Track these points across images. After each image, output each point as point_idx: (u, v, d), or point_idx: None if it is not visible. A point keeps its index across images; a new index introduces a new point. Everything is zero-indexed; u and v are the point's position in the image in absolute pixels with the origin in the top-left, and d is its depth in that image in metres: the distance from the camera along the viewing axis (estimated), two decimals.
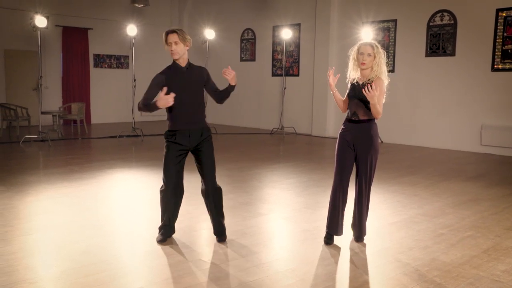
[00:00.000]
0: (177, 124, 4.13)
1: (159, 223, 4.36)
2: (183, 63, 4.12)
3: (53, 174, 7.18)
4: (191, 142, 4.12)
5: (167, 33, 4.03)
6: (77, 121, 12.45)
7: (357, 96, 4.06)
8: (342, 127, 4.21)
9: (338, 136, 4.24)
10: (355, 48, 4.12)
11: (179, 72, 4.11)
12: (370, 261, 3.93)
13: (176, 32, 4.01)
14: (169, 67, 4.17)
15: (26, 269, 3.61)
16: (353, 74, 4.16)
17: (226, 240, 4.32)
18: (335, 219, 4.21)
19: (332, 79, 4.20)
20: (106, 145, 10.50)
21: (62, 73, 14.29)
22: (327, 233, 4.28)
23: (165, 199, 4.22)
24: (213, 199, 4.25)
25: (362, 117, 4.08)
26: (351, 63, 4.16)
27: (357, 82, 4.12)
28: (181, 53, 4.05)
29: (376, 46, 4.07)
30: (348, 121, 4.15)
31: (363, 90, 3.92)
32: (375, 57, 4.03)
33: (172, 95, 3.89)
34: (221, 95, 4.24)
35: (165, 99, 3.89)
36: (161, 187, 4.24)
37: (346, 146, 4.13)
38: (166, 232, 4.30)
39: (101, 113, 15.01)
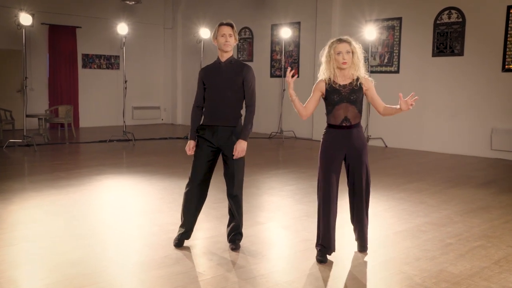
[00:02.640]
0: (205, 120, 4.25)
1: (152, 233, 4.37)
2: (224, 58, 4.22)
3: (39, 181, 7.17)
4: (218, 140, 4.19)
5: (222, 25, 4.19)
6: (64, 124, 12.43)
7: (345, 100, 3.96)
8: (327, 135, 4.03)
9: (323, 145, 4.04)
10: (327, 48, 3.99)
11: (216, 67, 4.24)
12: (374, 273, 3.93)
13: (232, 26, 4.22)
14: (214, 62, 4.31)
15: (9, 282, 3.59)
16: (325, 75, 4.04)
17: (222, 249, 4.32)
18: (329, 234, 4.05)
19: (292, 82, 4.02)
20: (96, 150, 10.49)
21: (49, 74, 14.29)
22: (320, 251, 4.08)
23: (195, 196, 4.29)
24: (232, 206, 4.35)
25: (354, 121, 4.01)
26: (324, 65, 4.03)
27: (338, 84, 3.99)
28: (233, 46, 4.22)
29: (352, 41, 3.99)
30: (337, 127, 4.00)
31: (405, 103, 4.11)
32: (353, 53, 3.96)
33: (191, 148, 4.27)
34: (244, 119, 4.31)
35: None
36: (186, 186, 4.32)
37: (336, 154, 4.01)
38: (184, 236, 4.37)
39: (90, 116, 14.99)
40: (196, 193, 4.29)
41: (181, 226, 4.39)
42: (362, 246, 4.31)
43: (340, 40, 3.97)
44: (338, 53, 3.93)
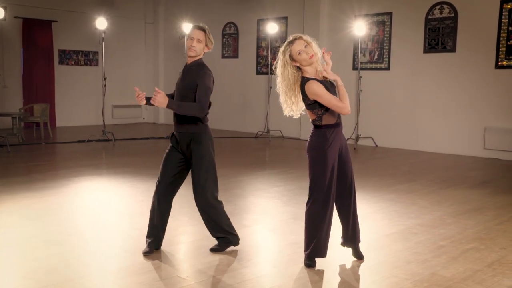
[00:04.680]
0: (174, 125, 4.28)
1: (132, 237, 4.36)
2: (189, 61, 4.24)
3: (13, 183, 7.09)
4: (181, 147, 4.22)
5: (194, 27, 4.19)
6: (40, 124, 12.31)
7: (335, 94, 3.98)
8: (325, 136, 3.95)
9: (324, 148, 3.93)
10: (286, 58, 3.93)
11: (182, 70, 4.27)
12: (364, 277, 3.95)
13: (205, 31, 4.18)
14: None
15: None
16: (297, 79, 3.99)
17: (206, 254, 4.32)
18: (325, 241, 4.05)
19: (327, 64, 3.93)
20: (73, 151, 10.41)
21: (23, 71, 14.13)
22: (312, 257, 4.07)
23: (154, 204, 4.30)
24: (208, 214, 4.31)
25: (340, 118, 4.08)
26: (290, 75, 3.95)
27: (323, 77, 3.96)
28: (199, 52, 4.18)
29: (302, 35, 3.98)
30: (335, 126, 3.98)
31: (324, 69, 3.90)
32: (310, 44, 3.94)
33: (142, 95, 4.05)
34: None
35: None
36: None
37: (335, 155, 3.99)
38: (155, 244, 4.36)
39: (67, 115, 14.87)
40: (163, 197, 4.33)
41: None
42: (356, 247, 4.27)
43: (291, 42, 3.94)
44: (299, 53, 3.90)
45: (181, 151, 4.24)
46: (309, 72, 3.96)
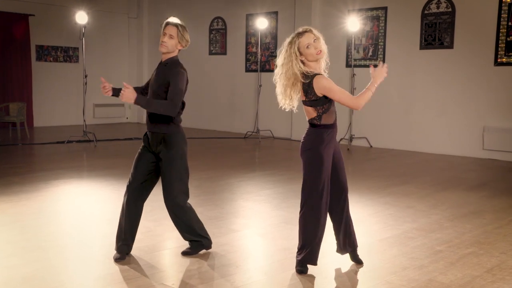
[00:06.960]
0: (146, 125, 4.34)
1: (115, 243, 4.35)
2: (163, 59, 4.29)
3: None
4: (151, 146, 4.25)
5: (167, 24, 4.25)
6: (16, 124, 12.23)
7: None
8: (322, 136, 3.94)
9: (320, 148, 3.93)
10: (294, 50, 3.89)
11: (157, 68, 4.31)
12: (359, 283, 3.96)
13: (177, 27, 4.21)
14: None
15: None
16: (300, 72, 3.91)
17: (193, 260, 4.31)
18: (318, 247, 4.04)
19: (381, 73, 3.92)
20: (52, 152, 10.35)
21: None
22: (305, 263, 4.07)
23: (123, 206, 4.31)
24: (179, 217, 4.34)
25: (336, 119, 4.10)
26: (296, 69, 3.88)
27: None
28: (170, 49, 4.23)
29: (311, 28, 3.96)
30: (332, 126, 3.98)
31: (373, 68, 3.90)
32: (318, 39, 3.92)
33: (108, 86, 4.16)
34: None
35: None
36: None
37: (330, 158, 3.99)
38: (124, 248, 4.34)
39: (45, 115, 14.79)
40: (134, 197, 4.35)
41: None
42: (354, 252, 4.29)
43: (300, 34, 3.93)
44: (307, 47, 3.88)
45: (152, 151, 4.26)
46: (312, 67, 3.94)
